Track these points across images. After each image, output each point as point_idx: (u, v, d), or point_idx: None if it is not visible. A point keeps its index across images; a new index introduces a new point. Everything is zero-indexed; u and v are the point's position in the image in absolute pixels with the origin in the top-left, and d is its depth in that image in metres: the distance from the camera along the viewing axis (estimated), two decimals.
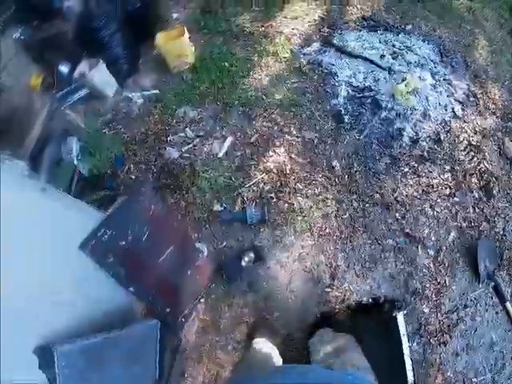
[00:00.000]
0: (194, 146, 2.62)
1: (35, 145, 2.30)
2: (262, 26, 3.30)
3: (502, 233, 2.22)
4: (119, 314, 1.64)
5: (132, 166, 2.64)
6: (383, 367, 1.29)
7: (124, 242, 1.53)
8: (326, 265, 2.14)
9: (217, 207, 2.35)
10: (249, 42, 3.20)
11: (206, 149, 2.59)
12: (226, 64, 3.01)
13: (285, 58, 2.99)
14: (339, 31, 3.16)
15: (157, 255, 1.74)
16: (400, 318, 1.31)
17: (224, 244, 2.24)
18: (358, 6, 3.35)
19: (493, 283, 2.10)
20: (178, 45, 2.91)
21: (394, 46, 2.92)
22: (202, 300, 2.10)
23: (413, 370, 1.28)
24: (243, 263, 2.13)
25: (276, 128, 2.58)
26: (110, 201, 2.34)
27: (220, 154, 2.52)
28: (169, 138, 2.70)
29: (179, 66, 3.07)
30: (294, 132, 2.53)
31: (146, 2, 3.28)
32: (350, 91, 2.68)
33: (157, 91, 3.04)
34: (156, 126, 2.81)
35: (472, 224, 2.23)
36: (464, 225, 2.23)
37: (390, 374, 1.31)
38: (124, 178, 2.59)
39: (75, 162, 2.58)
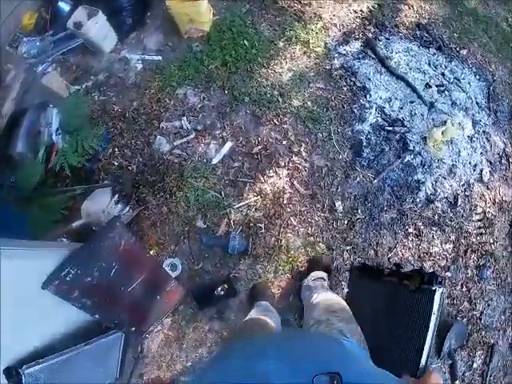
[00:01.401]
0: (188, 141, 2.23)
1: (7, 122, 1.87)
2: (299, 2, 2.70)
3: (478, 315, 2.04)
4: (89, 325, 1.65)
5: (116, 149, 2.26)
6: (389, 339, 1.24)
7: (90, 279, 1.42)
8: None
9: (200, 223, 2.06)
10: (279, 19, 2.63)
11: (200, 149, 2.20)
12: (246, 43, 2.47)
13: (316, 52, 2.47)
14: (387, 34, 2.60)
15: (125, 286, 1.60)
16: (438, 293, 1.15)
17: (200, 265, 2.00)
18: (415, 7, 2.74)
19: (450, 361, 1.99)
20: (193, 8, 2.34)
21: (443, 74, 2.42)
22: (169, 318, 1.96)
23: (428, 352, 1.15)
24: (215, 292, 1.94)
25: (284, 143, 2.19)
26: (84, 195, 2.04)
27: (215, 161, 2.15)
28: (162, 124, 2.28)
29: (191, 33, 2.52)
30: (304, 154, 2.16)
31: None
32: (380, 119, 2.26)
33: (159, 58, 2.52)
34: (150, 103, 2.37)
35: (454, 302, 2.03)
36: (446, 301, 2.04)
37: (401, 348, 1.21)
38: (105, 162, 2.22)
39: (53, 136, 2.18)
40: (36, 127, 2.27)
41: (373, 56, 2.47)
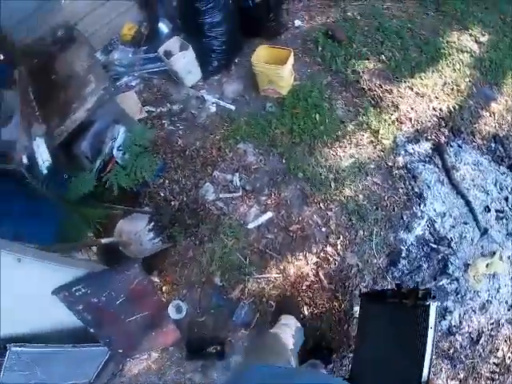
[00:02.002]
0: (233, 198, 2.28)
1: (77, 126, 2.05)
2: (380, 87, 2.67)
3: None
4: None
5: (167, 181, 2.38)
6: (394, 356, 1.27)
7: (97, 300, 1.53)
8: None
9: (217, 280, 2.09)
10: (356, 100, 2.61)
11: (242, 209, 2.24)
12: (317, 117, 2.49)
13: (383, 144, 2.42)
14: (460, 141, 2.48)
15: (126, 316, 1.70)
16: (432, 308, 1.18)
17: (203, 319, 2.04)
18: (497, 116, 2.59)
19: None
20: (276, 72, 2.40)
21: (506, 199, 2.26)
22: (157, 353, 2.02)
23: (430, 367, 1.15)
24: (207, 349, 1.96)
25: (323, 230, 2.16)
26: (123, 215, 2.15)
27: (251, 225, 2.18)
28: (215, 173, 2.36)
29: (268, 92, 2.59)
30: (339, 247, 2.11)
31: None
32: (427, 233, 2.15)
33: (233, 107, 2.62)
34: (211, 148, 2.46)
35: None
36: None
37: (400, 366, 1.24)
38: (153, 190, 2.35)
39: (114, 151, 2.34)
40: (102, 136, 2.45)
41: (439, 163, 2.37)
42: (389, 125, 2.47)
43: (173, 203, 2.32)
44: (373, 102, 2.59)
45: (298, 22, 3.12)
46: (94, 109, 2.01)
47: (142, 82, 2.87)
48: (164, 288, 2.14)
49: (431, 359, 1.16)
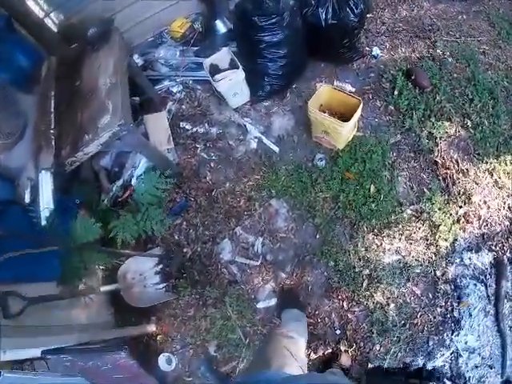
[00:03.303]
0: (249, 266, 1.98)
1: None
2: (457, 164, 2.14)
3: None
4: None
5: (185, 223, 2.09)
6: None
7: (83, 364, 1.48)
8: None
9: (211, 349, 1.89)
10: (423, 174, 2.13)
11: (256, 281, 1.95)
12: (371, 189, 2.04)
13: (437, 245, 1.93)
14: None
15: (110, 379, 1.59)
16: None
17: (190, 379, 1.89)
18: None
19: None
20: (334, 125, 1.94)
21: None
22: None
23: None
24: None
25: (338, 332, 1.80)
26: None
27: (261, 305, 1.90)
28: (237, 229, 2.05)
29: (320, 140, 2.15)
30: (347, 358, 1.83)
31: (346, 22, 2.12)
32: (447, 366, 1.82)
33: (277, 149, 2.20)
34: (241, 196, 2.12)
35: None
36: None
37: None
38: (168, 231, 2.08)
39: (134, 179, 2.05)
40: (124, 157, 2.16)
41: (492, 286, 1.94)
42: (453, 222, 1.99)
43: (185, 250, 2.06)
44: (443, 183, 2.09)
45: (376, 50, 2.50)
46: (108, 143, 1.68)
47: (183, 90, 2.47)
48: (159, 337, 1.98)
49: None
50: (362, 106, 1.94)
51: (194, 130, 2.35)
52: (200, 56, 2.51)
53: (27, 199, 1.60)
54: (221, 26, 2.56)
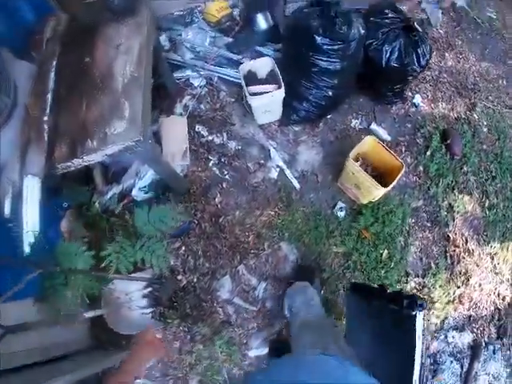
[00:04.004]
0: (246, 310, 1.82)
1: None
2: (466, 242, 2.12)
3: None
4: None
5: (183, 248, 1.85)
6: (383, 366, 1.13)
7: None
8: None
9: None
10: (434, 248, 2.07)
11: (250, 326, 1.80)
12: (384, 254, 1.95)
13: (429, 322, 1.96)
14: (498, 346, 2.09)
15: None
16: (419, 318, 1.08)
17: None
18: None
19: None
20: (370, 185, 1.78)
21: None
22: None
23: (420, 379, 1.08)
24: None
25: None
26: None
27: (252, 353, 1.78)
28: (240, 267, 1.86)
29: (346, 189, 1.99)
30: None
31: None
32: None
33: (298, 186, 2.00)
34: (250, 231, 1.91)
35: None
36: None
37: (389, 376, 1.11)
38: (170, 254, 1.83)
39: (135, 190, 1.73)
40: (128, 163, 1.82)
41: (465, 365, 2.02)
42: (448, 301, 1.99)
43: (180, 278, 1.83)
44: (449, 261, 2.06)
45: (418, 98, 2.33)
46: (115, 155, 1.36)
47: (206, 86, 2.10)
48: None
49: (421, 367, 1.08)
50: (402, 171, 1.78)
51: (210, 138, 2.03)
52: (233, 51, 2.14)
53: (7, 211, 1.24)
54: (262, 21, 2.19)
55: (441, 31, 2.66)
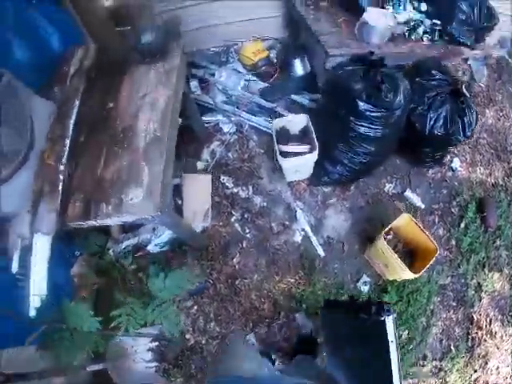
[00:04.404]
0: None
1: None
2: (489, 324, 2.00)
3: None
4: None
5: (195, 307, 1.77)
6: (361, 374, 1.17)
7: None
8: None
9: None
10: (456, 329, 1.96)
11: None
12: (404, 335, 1.84)
13: None
14: None
15: None
16: (389, 322, 1.12)
17: None
18: None
19: None
20: (400, 267, 1.67)
21: None
22: None
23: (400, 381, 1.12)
24: None
25: None
26: None
27: None
28: (249, 337, 1.77)
29: (373, 263, 1.88)
30: None
31: None
32: None
33: (322, 253, 1.89)
34: (266, 299, 1.82)
35: None
36: None
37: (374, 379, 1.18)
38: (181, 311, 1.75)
39: (151, 245, 1.64)
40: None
41: None
42: None
43: (188, 337, 1.76)
44: (470, 344, 1.95)
45: (456, 162, 2.18)
46: (130, 224, 1.26)
47: (236, 134, 1.97)
48: None
49: (399, 369, 1.10)
50: (437, 254, 1.66)
51: (235, 190, 1.92)
52: (267, 98, 2.00)
53: (14, 267, 1.16)
54: (298, 67, 2.05)
55: (482, 85, 2.49)
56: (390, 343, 1.09)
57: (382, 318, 1.10)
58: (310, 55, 2.00)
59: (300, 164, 1.77)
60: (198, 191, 1.71)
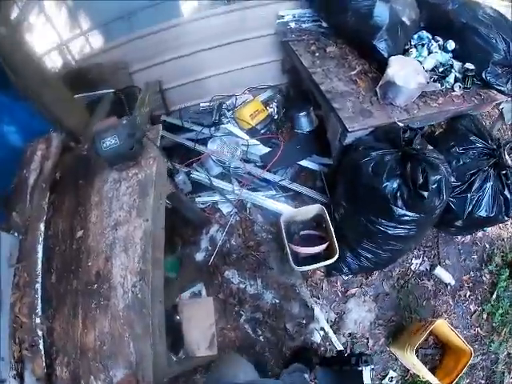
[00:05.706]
0: None
1: None
2: None
3: None
4: None
5: None
6: None
7: None
8: None
9: None
10: None
11: None
12: None
13: None
14: None
15: None
16: (366, 372, 1.18)
17: None
18: None
19: None
20: (428, 376, 1.46)
21: None
22: None
23: None
24: None
25: None
26: None
27: None
28: None
29: (400, 359, 1.65)
30: None
31: None
32: None
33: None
34: None
35: None
36: None
37: None
38: None
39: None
40: None
41: None
42: None
43: None
44: None
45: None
46: None
47: (237, 214, 1.60)
48: None
49: None
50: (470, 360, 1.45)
51: (242, 286, 1.61)
52: (270, 169, 1.61)
53: None
54: (305, 123, 1.63)
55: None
56: None
57: (360, 368, 1.14)
58: (319, 109, 1.57)
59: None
60: (199, 317, 1.39)
